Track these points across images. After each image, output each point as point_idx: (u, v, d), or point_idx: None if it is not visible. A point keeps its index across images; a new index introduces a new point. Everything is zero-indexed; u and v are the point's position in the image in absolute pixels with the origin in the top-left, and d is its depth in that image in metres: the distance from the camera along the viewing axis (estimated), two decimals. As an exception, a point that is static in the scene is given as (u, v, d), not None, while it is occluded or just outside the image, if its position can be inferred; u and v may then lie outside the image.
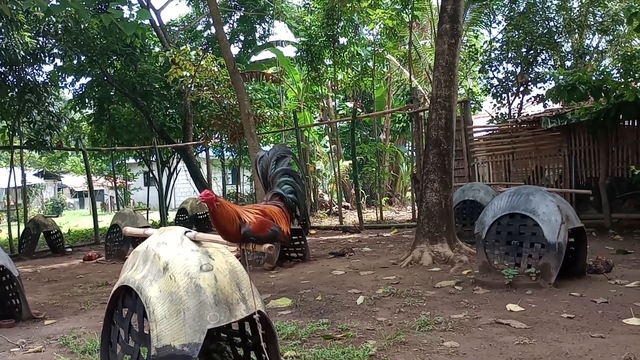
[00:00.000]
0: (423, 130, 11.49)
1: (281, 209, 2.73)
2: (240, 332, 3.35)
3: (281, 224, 2.68)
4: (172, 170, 18.33)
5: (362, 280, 6.46)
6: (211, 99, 14.02)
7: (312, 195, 16.78)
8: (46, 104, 12.36)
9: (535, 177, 11.26)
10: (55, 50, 13.11)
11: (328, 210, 16.97)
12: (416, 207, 12.78)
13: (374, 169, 15.66)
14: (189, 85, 13.36)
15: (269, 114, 14.30)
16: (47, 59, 12.79)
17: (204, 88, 13.80)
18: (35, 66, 12.79)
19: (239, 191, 18.42)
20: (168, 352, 2.77)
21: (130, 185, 27.60)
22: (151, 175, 18.20)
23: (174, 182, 18.67)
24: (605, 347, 3.75)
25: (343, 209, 15.68)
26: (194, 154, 17.54)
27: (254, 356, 3.28)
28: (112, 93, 17.05)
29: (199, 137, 17.02)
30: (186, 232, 3.12)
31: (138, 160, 20.18)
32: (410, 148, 17.60)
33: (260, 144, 19.89)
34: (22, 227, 12.48)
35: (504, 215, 5.79)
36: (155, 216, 18.20)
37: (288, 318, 4.96)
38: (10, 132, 13.17)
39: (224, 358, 3.51)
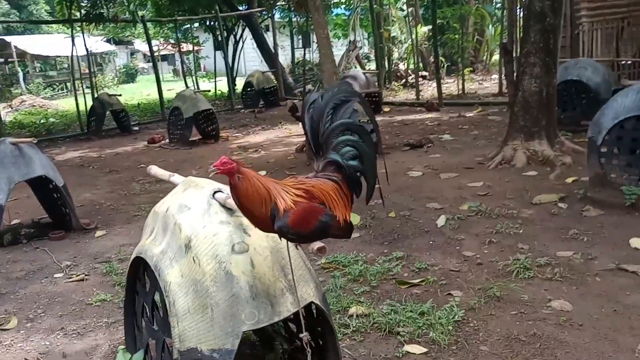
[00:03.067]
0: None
1: (338, 185, 1.85)
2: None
3: (336, 208, 1.81)
4: (237, 38, 17.29)
5: (443, 188, 5.59)
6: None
7: (386, 64, 15.42)
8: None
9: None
10: None
11: (404, 81, 15.64)
12: (504, 79, 11.38)
13: (457, 36, 13.97)
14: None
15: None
16: None
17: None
18: None
19: (309, 58, 17.29)
20: (193, 356, 2.13)
21: (200, 51, 26.94)
22: (216, 45, 17.32)
23: (241, 50, 17.71)
24: None
25: (420, 79, 14.37)
26: (260, 21, 16.32)
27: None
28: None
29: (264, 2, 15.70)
30: (216, 192, 2.32)
31: (204, 28, 19.22)
32: (499, 7, 15.63)
33: (331, 10, 18.27)
34: (89, 101, 12.12)
35: (629, 117, 4.60)
36: (223, 86, 17.61)
37: (356, 246, 4.25)
38: (69, 4, 12.41)
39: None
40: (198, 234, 2.23)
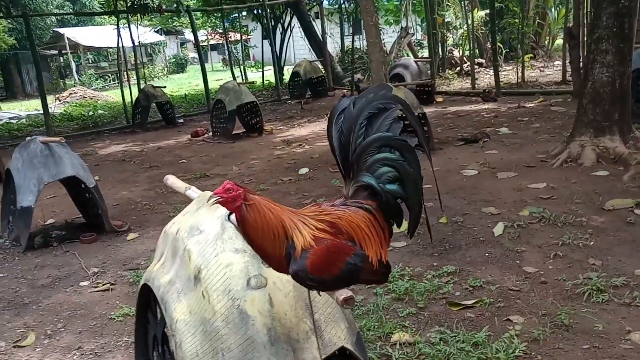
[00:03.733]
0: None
1: (371, 215, 1.46)
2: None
3: (369, 246, 1.42)
4: (285, 27, 16.97)
5: (501, 189, 5.09)
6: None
7: (440, 51, 14.74)
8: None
9: None
10: None
11: (458, 69, 14.94)
12: (567, 66, 10.62)
13: (517, 20, 13.18)
14: None
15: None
16: None
17: None
18: None
19: (358, 46, 16.79)
20: (203, 409, 1.79)
21: (248, 40, 26.80)
22: (264, 34, 17.09)
23: (289, 39, 17.39)
24: None
25: (476, 66, 13.67)
26: (308, 9, 15.90)
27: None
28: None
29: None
30: (230, 214, 1.96)
31: (251, 16, 19.01)
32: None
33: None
34: (136, 93, 12.07)
35: None
36: (271, 76, 17.35)
37: (402, 257, 3.84)
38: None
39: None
40: (209, 263, 1.89)
